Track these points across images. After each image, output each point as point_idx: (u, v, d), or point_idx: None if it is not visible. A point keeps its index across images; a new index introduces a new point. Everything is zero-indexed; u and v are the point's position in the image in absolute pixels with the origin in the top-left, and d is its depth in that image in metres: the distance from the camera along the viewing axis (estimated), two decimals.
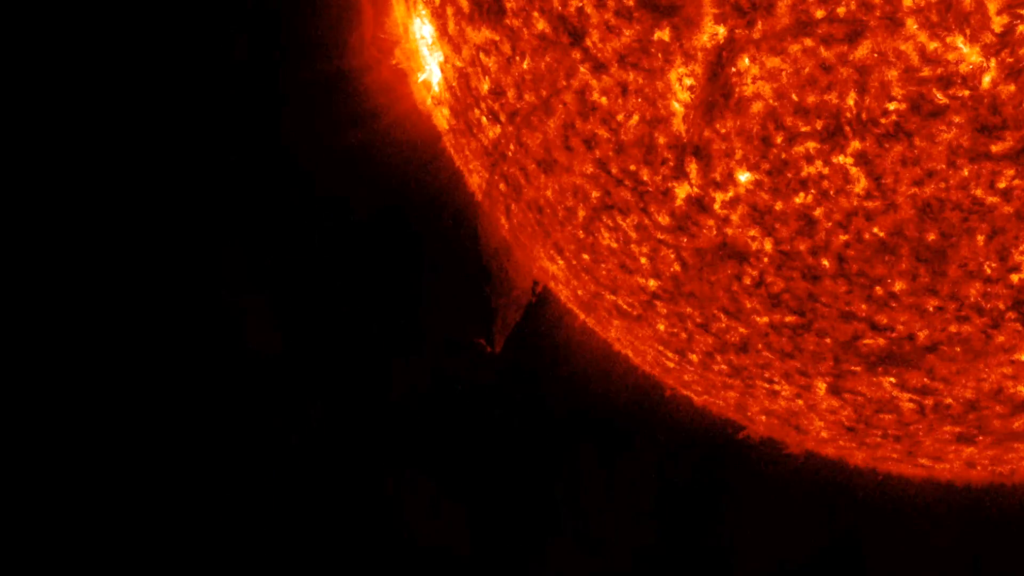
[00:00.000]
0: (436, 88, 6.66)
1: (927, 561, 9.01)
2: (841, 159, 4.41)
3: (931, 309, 4.88)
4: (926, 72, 4.10)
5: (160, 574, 9.11)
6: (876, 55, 4.08)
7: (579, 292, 6.50)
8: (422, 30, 6.48)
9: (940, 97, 4.13)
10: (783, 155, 4.49)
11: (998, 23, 3.93)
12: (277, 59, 8.38)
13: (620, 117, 4.79)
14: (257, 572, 9.38)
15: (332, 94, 8.21)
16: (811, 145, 4.41)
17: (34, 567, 8.77)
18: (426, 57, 6.62)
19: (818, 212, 4.61)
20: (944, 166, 4.30)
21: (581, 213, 5.51)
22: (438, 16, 5.95)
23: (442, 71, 6.34)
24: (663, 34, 4.43)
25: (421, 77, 6.87)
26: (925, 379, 5.40)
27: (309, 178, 8.86)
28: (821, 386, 5.80)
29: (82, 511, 8.97)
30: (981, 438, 5.90)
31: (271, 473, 9.48)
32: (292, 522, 9.55)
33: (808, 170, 4.49)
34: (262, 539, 9.49)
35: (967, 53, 4.01)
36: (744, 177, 4.65)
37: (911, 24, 4.01)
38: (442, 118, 6.83)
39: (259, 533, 9.50)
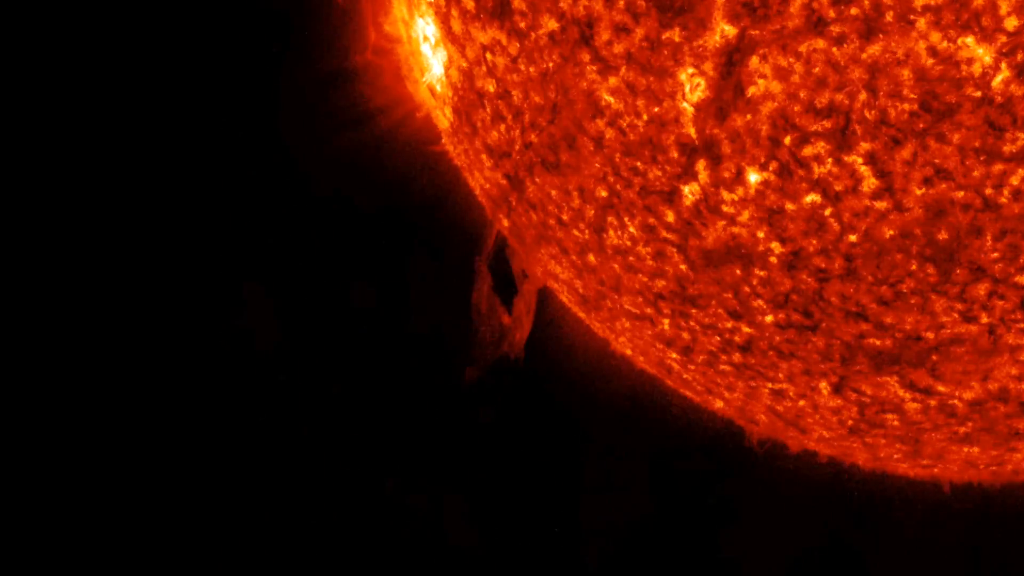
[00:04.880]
0: (439, 88, 6.64)
1: (927, 561, 9.03)
2: (851, 159, 4.41)
3: (938, 309, 4.89)
4: (937, 72, 4.10)
5: (159, 574, 9.08)
6: (887, 55, 4.09)
7: (582, 292, 6.49)
8: (425, 30, 6.47)
9: (951, 97, 4.14)
10: (793, 155, 4.49)
11: (1010, 24, 3.94)
12: (277, 59, 8.37)
13: (628, 117, 4.79)
14: (256, 572, 9.36)
15: (332, 94, 8.20)
16: (821, 145, 4.41)
17: (34, 567, 8.74)
18: (428, 57, 6.60)
19: (827, 212, 4.62)
20: (954, 166, 4.31)
21: (587, 213, 5.51)
22: (442, 15, 5.93)
23: (445, 71, 6.32)
24: (673, 34, 4.42)
25: (423, 77, 6.86)
26: (930, 379, 5.41)
27: (308, 178, 8.85)
28: (825, 386, 5.81)
29: (81, 509, 8.94)
30: (985, 438, 5.92)
31: (269, 472, 9.45)
32: (291, 521, 9.53)
33: (818, 170, 4.49)
34: (260, 538, 9.47)
35: (979, 53, 4.02)
36: (753, 177, 4.65)
37: (922, 24, 4.02)
38: (444, 118, 6.82)
39: (257, 532, 9.48)
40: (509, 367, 8.71)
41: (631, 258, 5.54)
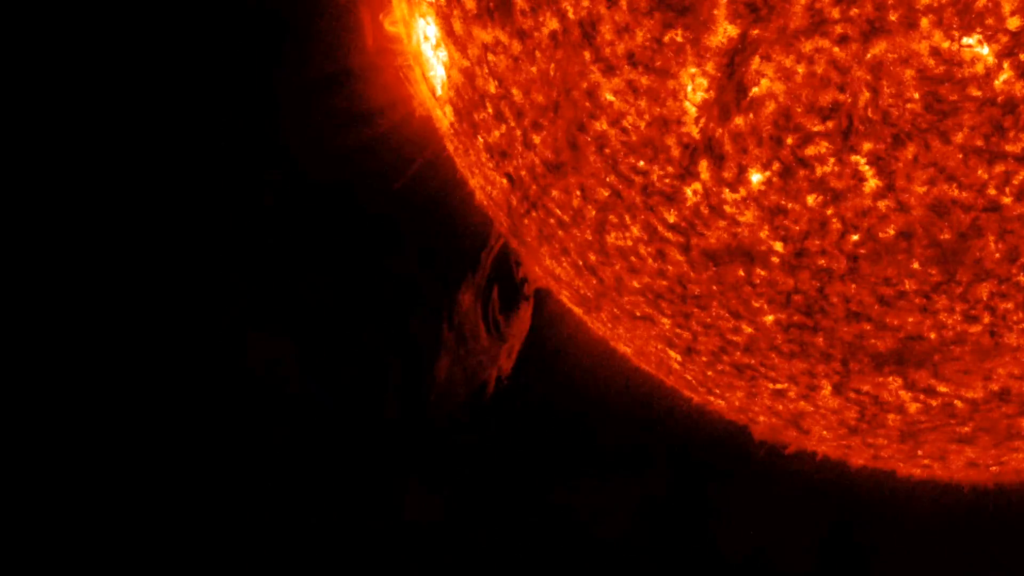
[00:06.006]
0: (439, 89, 6.64)
1: (927, 561, 9.04)
2: (853, 159, 4.41)
3: (940, 309, 4.89)
4: (940, 72, 4.10)
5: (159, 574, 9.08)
6: (890, 55, 4.09)
7: (583, 292, 6.49)
8: (426, 30, 6.46)
9: (954, 97, 4.14)
10: (795, 155, 4.49)
11: (1013, 23, 3.94)
12: (277, 59, 8.36)
13: (630, 117, 4.79)
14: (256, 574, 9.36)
15: (332, 94, 8.19)
16: (824, 145, 4.41)
17: (34, 567, 8.74)
18: (429, 57, 6.60)
19: (830, 212, 4.62)
20: (956, 166, 4.31)
21: (588, 213, 5.51)
22: (443, 15, 5.93)
23: (446, 71, 6.32)
24: (675, 34, 4.42)
25: (423, 77, 6.86)
26: (932, 379, 5.42)
27: (308, 178, 8.84)
28: (826, 386, 5.81)
29: (83, 514, 8.94)
30: (985, 438, 5.93)
31: (269, 478, 9.45)
32: (288, 525, 9.53)
33: (820, 170, 4.49)
34: (258, 544, 9.47)
35: (982, 54, 4.02)
36: (756, 177, 4.65)
37: (925, 24, 4.02)
38: (445, 119, 6.81)
39: (255, 538, 9.48)
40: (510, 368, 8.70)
41: (632, 258, 5.54)
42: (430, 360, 9.26)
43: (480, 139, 6.09)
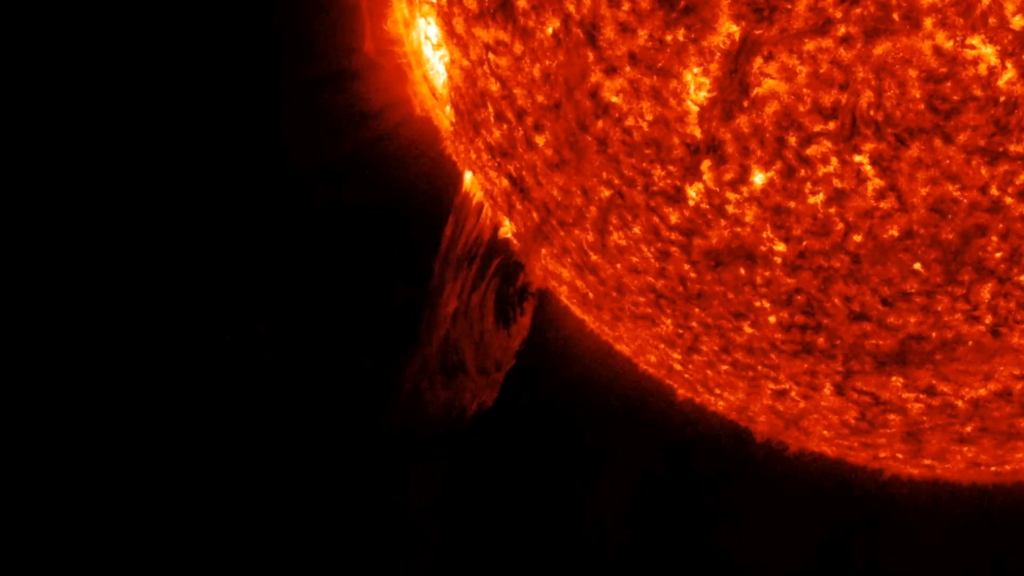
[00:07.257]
0: (440, 88, 6.64)
1: (927, 561, 9.04)
2: (856, 159, 4.41)
3: (942, 309, 4.89)
4: (943, 72, 4.10)
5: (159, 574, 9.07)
6: (893, 55, 4.09)
7: (584, 291, 6.49)
8: (427, 30, 6.46)
9: (957, 97, 4.14)
10: (798, 155, 4.49)
11: (1016, 23, 3.94)
12: (277, 59, 8.35)
13: (633, 117, 4.79)
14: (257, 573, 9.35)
15: (332, 94, 8.18)
16: (826, 145, 4.41)
17: (34, 567, 8.72)
18: (430, 57, 6.60)
19: (832, 212, 4.62)
20: (959, 166, 4.31)
21: (591, 213, 5.50)
22: (444, 16, 5.93)
23: (447, 71, 6.32)
24: (678, 34, 4.42)
25: (424, 78, 6.86)
26: (933, 379, 5.42)
27: (308, 179, 8.83)
28: (828, 386, 5.81)
29: (81, 515, 8.92)
30: (986, 438, 5.92)
31: (271, 481, 9.44)
32: (294, 527, 9.52)
33: (823, 170, 4.49)
34: (262, 543, 9.46)
35: (985, 54, 4.02)
36: (758, 177, 4.65)
37: (928, 24, 4.02)
38: (446, 119, 6.81)
39: (259, 537, 9.47)
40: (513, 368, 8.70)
41: (634, 258, 5.54)
42: (426, 361, 9.26)
43: (481, 139, 6.09)
